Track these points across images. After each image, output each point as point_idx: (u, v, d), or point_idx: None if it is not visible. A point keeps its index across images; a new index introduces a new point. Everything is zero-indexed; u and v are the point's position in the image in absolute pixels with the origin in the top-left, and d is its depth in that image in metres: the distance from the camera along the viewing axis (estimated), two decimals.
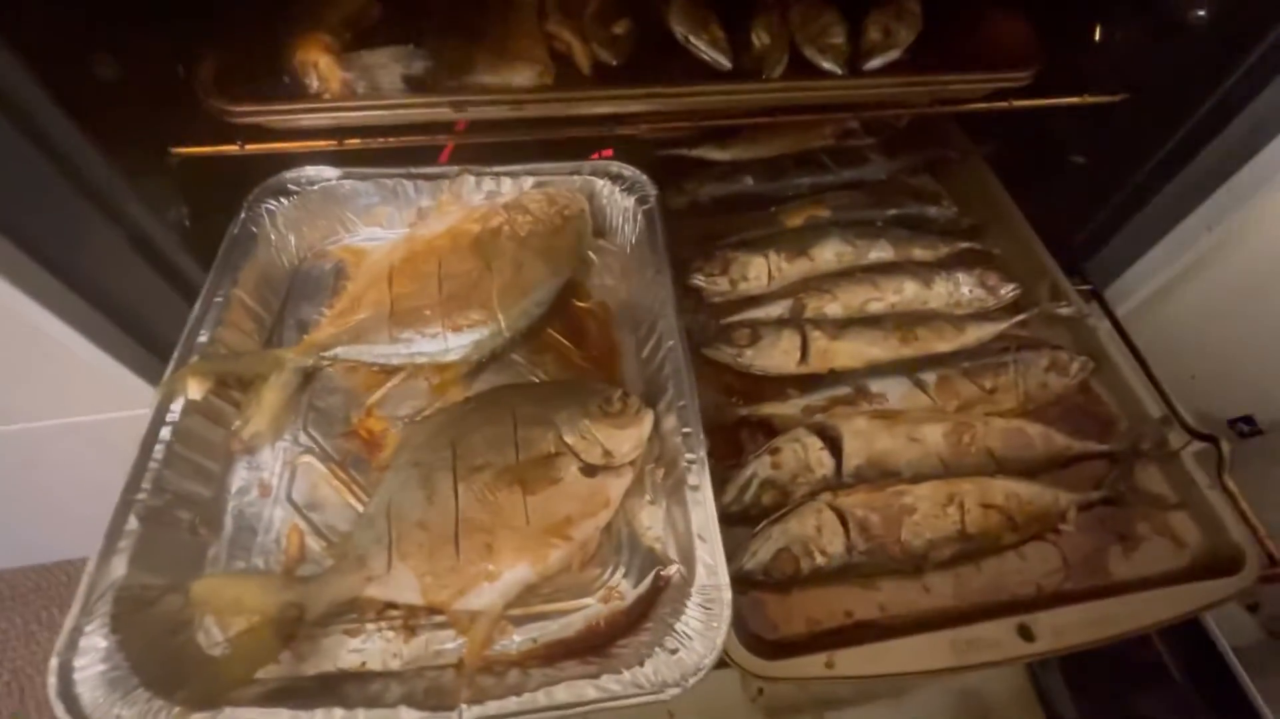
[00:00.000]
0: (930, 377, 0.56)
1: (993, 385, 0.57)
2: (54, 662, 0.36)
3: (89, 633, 0.37)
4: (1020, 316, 0.63)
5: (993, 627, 0.45)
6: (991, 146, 0.75)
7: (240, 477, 0.50)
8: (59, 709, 0.35)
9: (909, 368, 0.57)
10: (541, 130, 0.61)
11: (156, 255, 0.57)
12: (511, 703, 0.38)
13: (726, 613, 0.41)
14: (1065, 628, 0.46)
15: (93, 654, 0.37)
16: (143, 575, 0.41)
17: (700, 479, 0.46)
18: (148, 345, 0.58)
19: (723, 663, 0.43)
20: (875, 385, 0.56)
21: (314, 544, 0.48)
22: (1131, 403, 0.59)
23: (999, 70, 0.57)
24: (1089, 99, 0.60)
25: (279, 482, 0.50)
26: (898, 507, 0.49)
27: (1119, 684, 0.73)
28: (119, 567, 0.40)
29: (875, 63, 0.57)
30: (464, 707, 0.38)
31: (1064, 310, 0.64)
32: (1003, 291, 0.64)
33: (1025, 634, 0.45)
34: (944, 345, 0.60)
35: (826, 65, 0.57)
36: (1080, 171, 0.70)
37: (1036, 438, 0.55)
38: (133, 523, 0.42)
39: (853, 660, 0.43)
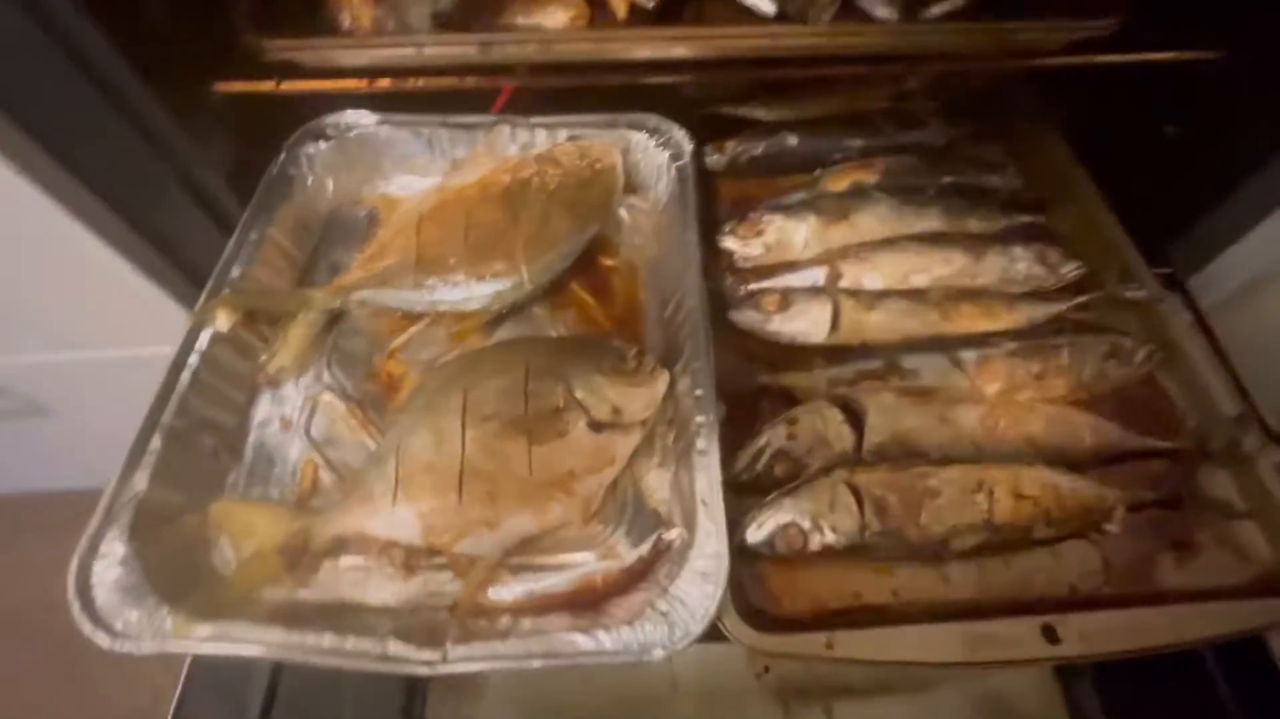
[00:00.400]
0: (970, 355, 0.52)
1: (1041, 370, 0.52)
2: (74, 562, 0.38)
3: (109, 539, 0.39)
4: (1081, 298, 0.58)
5: (1013, 624, 0.42)
6: (1066, 112, 0.68)
7: (263, 409, 0.52)
8: (75, 607, 0.37)
9: (948, 345, 0.53)
10: (576, 75, 0.59)
11: (201, 192, 0.59)
12: (498, 647, 0.38)
13: (723, 580, 0.40)
14: (1096, 633, 0.42)
15: (110, 559, 0.39)
16: (163, 492, 0.43)
17: (709, 443, 0.45)
18: (191, 279, 0.61)
19: (718, 634, 0.42)
20: (909, 361, 0.52)
21: (327, 479, 0.49)
22: (1203, 400, 0.53)
23: (1076, 17, 0.51)
24: (1181, 55, 0.53)
25: (299, 417, 0.52)
26: (920, 489, 0.46)
27: (1163, 711, 0.67)
28: (141, 481, 0.42)
29: (935, 10, 0.52)
30: (450, 644, 0.38)
31: (1133, 294, 0.58)
32: (1064, 270, 0.59)
33: (1049, 635, 0.42)
34: (991, 324, 0.55)
35: (881, 12, 0.53)
36: (1167, 143, 0.63)
37: (1085, 428, 0.50)
38: (156, 442, 0.44)
39: (855, 643, 0.41)
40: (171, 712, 0.55)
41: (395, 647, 0.38)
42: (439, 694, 0.60)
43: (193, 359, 0.47)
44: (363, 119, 0.64)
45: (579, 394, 0.48)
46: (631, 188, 0.65)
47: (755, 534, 0.46)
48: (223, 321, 0.49)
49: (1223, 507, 0.49)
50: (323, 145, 0.62)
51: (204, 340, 0.49)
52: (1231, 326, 0.60)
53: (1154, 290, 0.58)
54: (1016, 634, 0.42)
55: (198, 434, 0.47)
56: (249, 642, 0.37)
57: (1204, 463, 0.51)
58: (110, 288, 0.61)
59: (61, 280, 0.63)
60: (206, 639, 0.37)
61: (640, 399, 0.49)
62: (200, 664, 0.57)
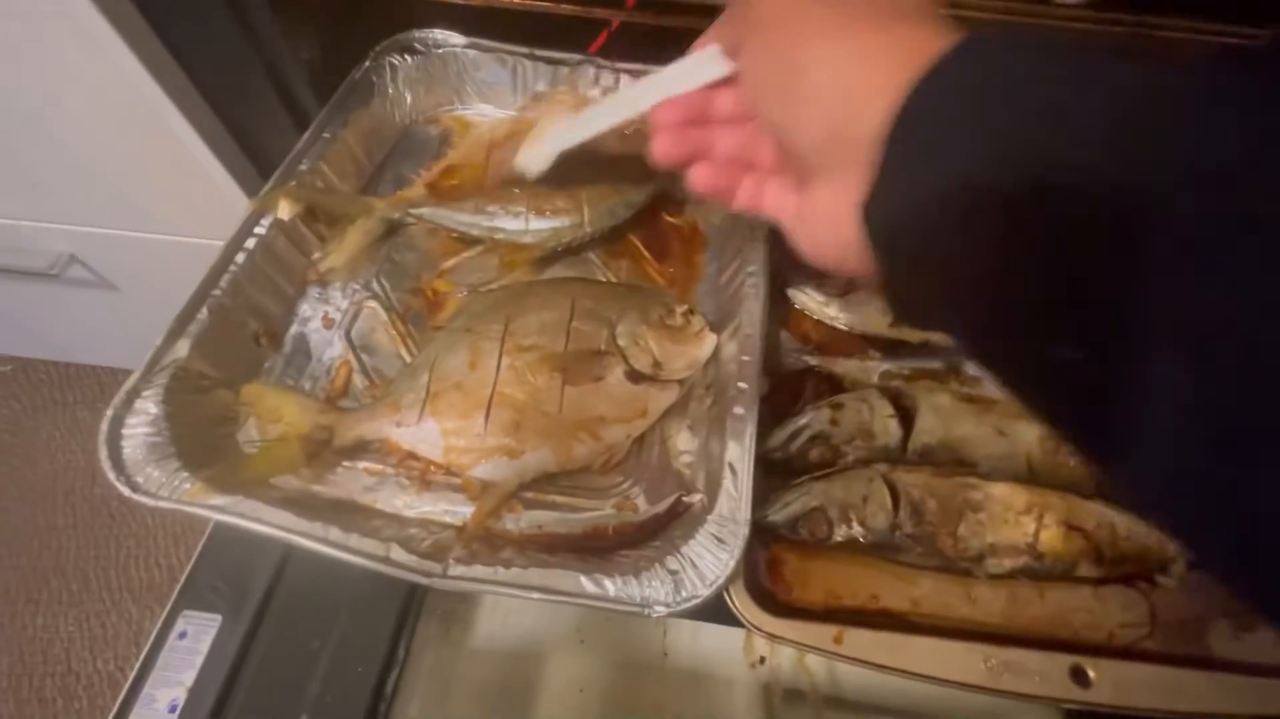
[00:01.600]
0: None
1: None
2: (109, 412, 0.39)
3: (144, 397, 0.40)
4: None
5: (1041, 657, 0.39)
6: None
7: (309, 305, 0.52)
8: (103, 454, 0.38)
9: None
10: (682, 15, 0.57)
11: (285, 88, 0.60)
12: (499, 572, 0.38)
13: (739, 549, 0.38)
14: (1131, 685, 0.39)
15: (142, 417, 0.40)
16: (202, 364, 0.43)
17: (747, 410, 0.43)
18: (263, 175, 0.62)
19: (719, 614, 0.40)
20: (973, 367, 0.49)
21: (359, 382, 0.49)
22: None
23: (1228, 20, 0.46)
24: None
25: (341, 318, 0.52)
26: (963, 499, 0.43)
27: None
28: (183, 348, 0.42)
29: None
30: (452, 561, 0.38)
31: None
32: None
33: (1079, 678, 0.39)
34: None
35: None
36: None
37: None
38: (204, 314, 0.44)
39: (866, 644, 0.39)
40: (178, 589, 0.57)
41: (398, 553, 0.37)
42: (427, 631, 0.59)
43: (250, 242, 0.48)
44: (452, 39, 0.63)
45: (621, 341, 0.47)
46: None
47: (779, 513, 0.44)
48: (284, 210, 0.49)
49: None
50: (408, 59, 0.62)
51: (264, 226, 0.49)
52: None
53: None
54: (1042, 669, 0.39)
55: (243, 315, 0.47)
56: (258, 520, 0.37)
57: None
58: (188, 172, 0.63)
59: (145, 157, 0.65)
60: (218, 508, 0.37)
61: (683, 357, 0.47)
62: (210, 551, 0.59)
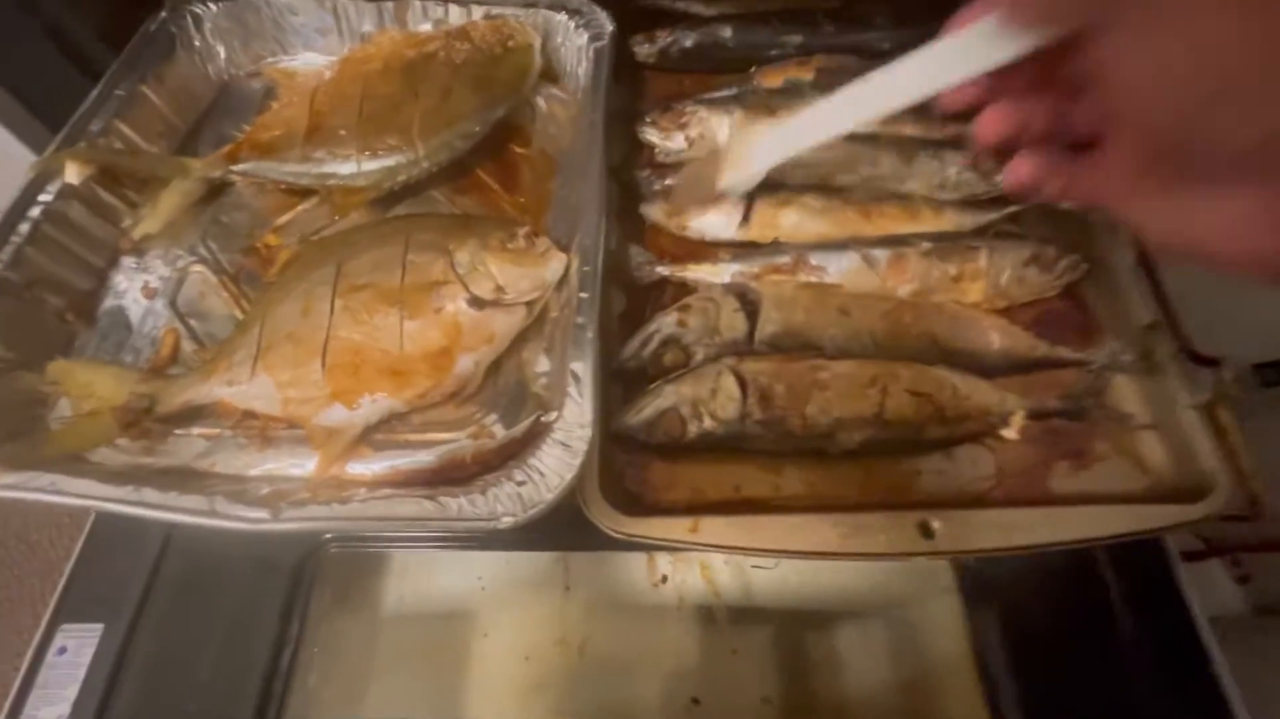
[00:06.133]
0: (883, 254, 0.50)
1: (958, 272, 0.50)
2: None
3: None
4: (1012, 208, 0.55)
5: (889, 517, 0.41)
6: None
7: (124, 276, 0.48)
8: None
9: (863, 244, 0.51)
10: None
11: (72, 49, 0.54)
12: (335, 508, 0.36)
13: (583, 451, 0.37)
14: (973, 531, 0.41)
15: None
16: None
17: (587, 318, 0.42)
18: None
19: (612, 541, 0.40)
20: (817, 258, 0.50)
21: (189, 349, 0.46)
22: (1123, 314, 0.51)
23: None
24: None
25: (164, 286, 0.48)
26: (810, 380, 0.44)
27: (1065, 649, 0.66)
28: None
29: None
30: (284, 505, 0.36)
31: (1067, 204, 0.55)
32: (997, 178, 0.55)
33: (924, 530, 0.40)
34: (913, 228, 0.53)
35: None
36: None
37: (995, 331, 0.48)
38: None
39: (721, 529, 0.40)
40: (52, 604, 0.53)
41: (223, 504, 0.35)
42: (321, 604, 0.58)
43: (34, 211, 0.44)
44: None
45: (461, 269, 0.45)
46: (552, 75, 0.61)
47: (635, 418, 0.44)
48: (72, 174, 0.45)
49: (1126, 418, 0.48)
50: (213, 6, 0.57)
51: (50, 193, 0.45)
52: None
53: None
54: (890, 527, 0.40)
55: (39, 291, 0.43)
56: (57, 492, 0.34)
57: (1115, 375, 0.49)
58: None
59: None
60: (8, 486, 0.34)
61: (527, 279, 0.46)
62: (85, 561, 0.56)
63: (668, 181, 0.56)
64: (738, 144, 0.43)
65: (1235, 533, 0.72)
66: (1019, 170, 0.29)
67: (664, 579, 0.60)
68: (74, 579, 0.55)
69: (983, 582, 0.55)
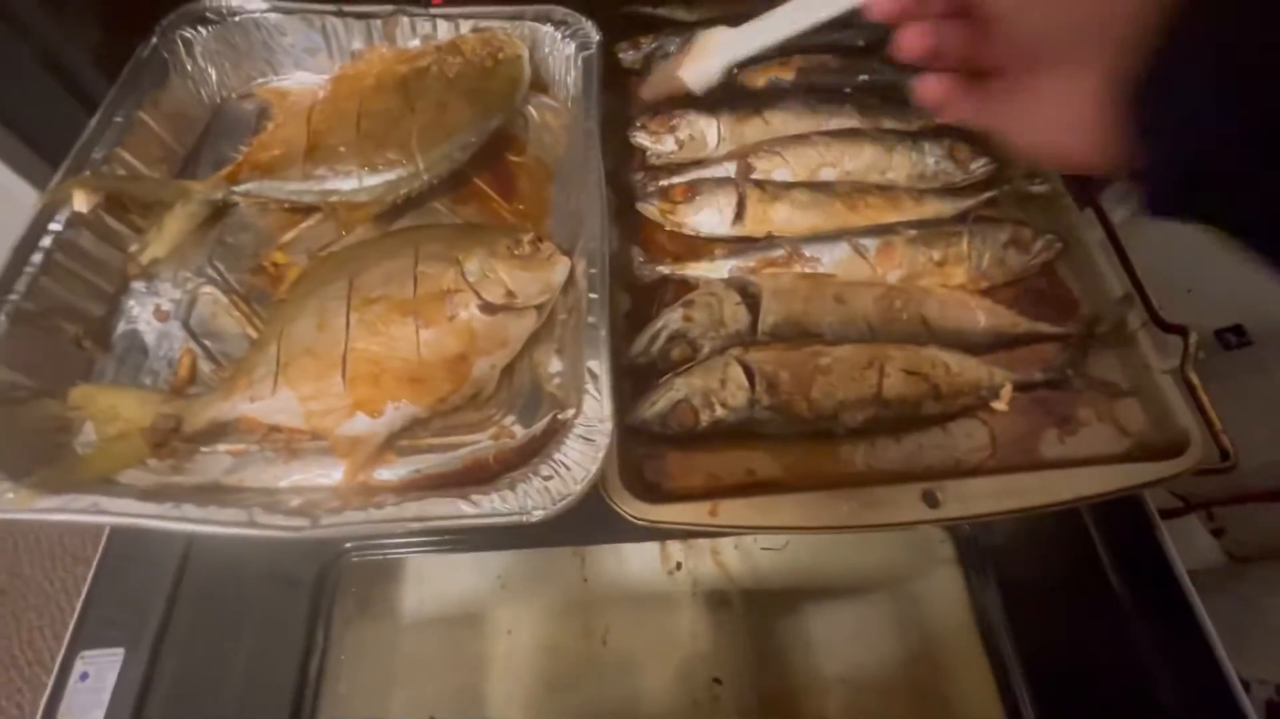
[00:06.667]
0: (872, 243, 0.52)
1: (942, 256, 0.53)
2: None
3: None
4: (988, 194, 0.58)
5: (896, 490, 0.43)
6: None
7: (136, 300, 0.49)
8: None
9: (852, 234, 0.53)
10: None
11: (67, 77, 0.55)
12: (371, 513, 0.38)
13: (604, 443, 0.39)
14: (974, 497, 0.43)
15: None
16: (10, 374, 0.40)
17: (599, 317, 0.44)
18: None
19: (628, 532, 0.42)
20: (811, 249, 0.52)
21: (206, 369, 0.47)
22: (1096, 288, 0.54)
23: None
24: None
25: (176, 308, 0.49)
26: (812, 366, 0.46)
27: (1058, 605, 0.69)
28: None
29: None
30: (321, 513, 0.37)
31: (1038, 188, 0.58)
32: (973, 166, 0.59)
33: (930, 500, 0.43)
34: (897, 216, 0.55)
35: None
36: None
37: (980, 311, 0.51)
38: (1, 321, 0.41)
39: (740, 511, 0.42)
40: (70, 630, 0.54)
41: (261, 515, 0.37)
42: (344, 611, 0.59)
43: (45, 241, 0.44)
44: (250, 3, 0.59)
45: (471, 277, 0.47)
46: (541, 85, 0.63)
47: (649, 411, 0.46)
48: (80, 202, 0.46)
49: (1106, 386, 0.51)
50: (203, 30, 0.58)
51: (60, 223, 0.45)
52: (1144, 234, 0.61)
53: (1057, 185, 0.59)
54: (897, 499, 0.43)
55: (54, 319, 0.44)
56: (99, 513, 0.35)
57: (1093, 346, 0.52)
58: None
59: None
60: (49, 509, 0.35)
61: (536, 283, 0.48)
62: (100, 584, 0.56)
63: (662, 183, 0.58)
64: (699, 43, 0.49)
65: (1207, 488, 0.77)
66: (929, 85, 0.32)
67: (678, 566, 0.62)
68: (89, 604, 0.56)
69: (980, 550, 0.58)
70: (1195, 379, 0.50)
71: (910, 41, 0.31)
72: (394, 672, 0.59)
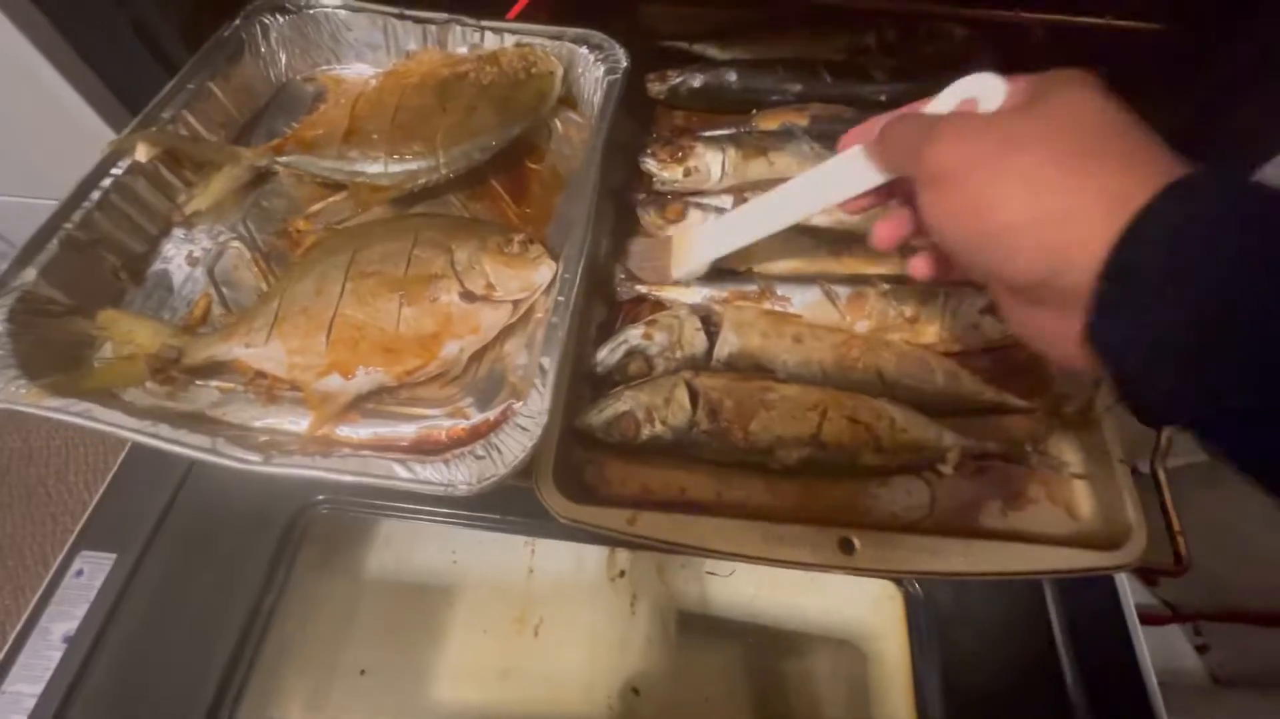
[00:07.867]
0: (845, 290, 0.54)
1: (914, 314, 0.53)
2: None
3: None
4: None
5: (814, 531, 0.44)
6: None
7: (173, 244, 0.55)
8: None
9: (827, 280, 0.55)
10: None
11: (155, 45, 0.63)
12: (316, 460, 0.42)
13: (537, 434, 0.42)
14: (891, 552, 0.44)
15: None
16: (51, 290, 0.47)
17: (560, 318, 0.47)
18: None
19: (573, 533, 0.44)
20: (783, 289, 0.54)
21: (219, 313, 0.53)
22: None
23: None
24: (1116, 22, 0.53)
25: (205, 256, 0.55)
26: (758, 399, 0.48)
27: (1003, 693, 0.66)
28: (30, 274, 0.46)
29: None
30: (274, 453, 0.42)
31: None
32: None
33: (845, 547, 0.44)
34: (881, 269, 0.56)
35: None
36: None
37: (940, 372, 0.51)
38: (54, 245, 0.47)
39: (655, 523, 0.44)
40: (76, 531, 0.60)
41: (223, 445, 0.41)
42: (308, 558, 0.63)
43: (106, 181, 0.51)
44: None
45: (458, 266, 0.51)
46: (571, 101, 0.67)
47: (596, 418, 0.48)
48: (142, 153, 0.52)
49: (1062, 466, 0.50)
50: (280, 19, 0.65)
51: (121, 168, 0.52)
52: None
53: None
54: (814, 540, 0.44)
55: (99, 250, 0.50)
56: (91, 418, 0.41)
57: (1058, 424, 0.52)
58: (74, 131, 0.65)
59: (30, 121, 0.67)
60: (51, 408, 0.41)
61: (516, 280, 0.51)
62: (111, 494, 0.63)
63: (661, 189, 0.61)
64: (681, 240, 0.53)
65: (1196, 598, 0.73)
66: (919, 267, 0.38)
67: (621, 574, 0.64)
68: (98, 511, 0.62)
69: (929, 619, 0.57)
70: (1162, 475, 0.49)
71: (882, 237, 0.39)
72: (341, 623, 0.63)
